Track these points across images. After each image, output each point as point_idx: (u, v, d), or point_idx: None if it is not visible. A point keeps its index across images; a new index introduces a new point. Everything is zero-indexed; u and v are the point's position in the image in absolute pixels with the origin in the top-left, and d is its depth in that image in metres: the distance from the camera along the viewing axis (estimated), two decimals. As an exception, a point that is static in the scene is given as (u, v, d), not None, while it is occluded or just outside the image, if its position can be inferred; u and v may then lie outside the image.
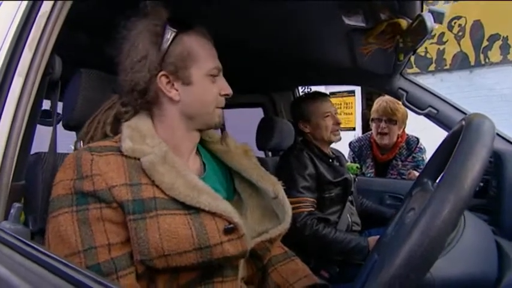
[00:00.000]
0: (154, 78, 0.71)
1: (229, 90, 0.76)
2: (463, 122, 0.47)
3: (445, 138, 0.62)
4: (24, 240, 0.47)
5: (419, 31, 0.91)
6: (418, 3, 0.92)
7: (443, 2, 4.84)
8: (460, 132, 0.48)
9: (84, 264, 0.59)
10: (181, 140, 0.75)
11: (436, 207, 0.36)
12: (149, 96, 0.73)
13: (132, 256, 0.63)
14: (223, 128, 0.84)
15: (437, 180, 0.69)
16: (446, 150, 0.62)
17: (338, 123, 1.47)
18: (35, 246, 0.46)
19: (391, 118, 1.93)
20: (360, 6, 0.96)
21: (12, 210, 0.55)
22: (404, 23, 0.96)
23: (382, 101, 1.97)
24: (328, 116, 1.45)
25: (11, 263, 0.43)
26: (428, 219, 0.36)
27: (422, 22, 0.87)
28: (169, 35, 0.71)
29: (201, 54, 0.73)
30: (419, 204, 0.54)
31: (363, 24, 1.04)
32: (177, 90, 0.73)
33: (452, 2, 4.86)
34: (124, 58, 0.71)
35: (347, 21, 1.04)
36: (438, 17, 0.90)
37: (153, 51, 0.70)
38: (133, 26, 0.71)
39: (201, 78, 0.73)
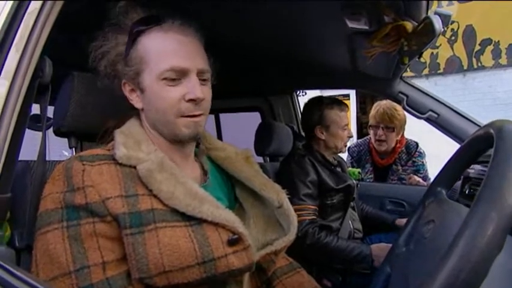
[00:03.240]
0: (120, 85, 0.69)
1: (194, 95, 0.65)
2: (491, 130, 0.44)
3: (463, 145, 0.59)
4: (8, 267, 0.42)
5: (426, 33, 0.89)
6: (424, 4, 0.90)
7: (435, 5, 4.90)
8: (485, 140, 0.45)
9: (76, 286, 0.54)
10: (166, 149, 0.70)
11: (476, 227, 0.32)
12: (128, 103, 0.71)
13: (129, 275, 0.59)
14: (199, 142, 0.77)
15: (451, 189, 0.66)
16: (464, 157, 0.59)
17: (351, 136, 1.49)
18: (20, 275, 0.41)
19: (389, 125, 1.91)
20: (364, 8, 0.94)
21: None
22: (409, 25, 0.94)
23: (379, 107, 1.94)
24: (346, 128, 1.46)
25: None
26: (469, 241, 0.32)
27: (430, 24, 0.85)
28: (130, 39, 0.67)
29: (153, 56, 0.65)
30: (439, 217, 0.51)
31: (366, 27, 1.01)
32: (138, 97, 0.69)
33: (445, 3, 4.92)
34: (100, 67, 0.69)
35: (350, 23, 1.01)
36: (445, 19, 0.87)
37: (117, 58, 0.68)
38: (106, 35, 0.68)
39: (152, 83, 0.65)
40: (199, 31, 0.71)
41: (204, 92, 0.67)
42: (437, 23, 0.83)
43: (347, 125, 1.46)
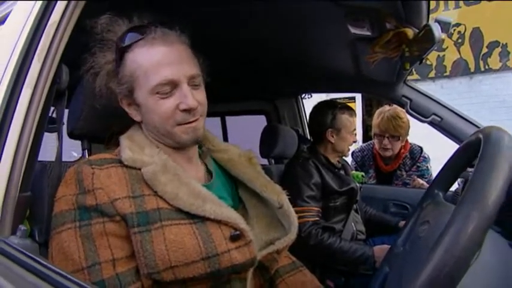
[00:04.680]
0: (119, 101, 0.71)
1: (187, 105, 0.66)
2: (480, 135, 0.46)
3: (458, 150, 0.62)
4: (36, 257, 0.46)
5: (427, 40, 0.91)
6: (425, 11, 0.93)
7: (442, 8, 4.88)
8: (475, 145, 0.48)
9: (88, 281, 0.57)
10: (170, 154, 0.72)
11: (459, 225, 0.35)
12: (128, 115, 0.73)
13: (138, 271, 0.62)
14: (200, 145, 0.79)
15: (448, 192, 0.68)
16: (458, 161, 0.61)
17: (355, 141, 1.54)
18: (47, 264, 0.45)
19: (394, 134, 1.91)
20: (366, 14, 0.97)
21: (20, 226, 0.54)
22: (410, 32, 0.96)
23: (383, 115, 1.93)
24: (354, 132, 1.51)
25: (24, 283, 0.42)
26: (453, 238, 0.35)
27: (430, 31, 0.87)
28: (117, 56, 0.68)
29: (142, 73, 0.66)
30: (434, 218, 0.54)
31: (369, 33, 1.04)
32: (136, 111, 0.71)
33: (452, 5, 4.89)
34: (94, 85, 0.70)
35: (353, 29, 1.04)
36: (445, 26, 0.90)
37: (108, 76, 0.69)
38: (94, 55, 0.69)
39: (145, 99, 0.67)
40: (183, 33, 0.71)
41: (198, 98, 0.68)
42: (437, 31, 0.85)
43: (355, 130, 1.52)
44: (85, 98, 0.81)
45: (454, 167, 0.63)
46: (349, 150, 1.54)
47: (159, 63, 0.66)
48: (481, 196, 0.36)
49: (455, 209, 0.38)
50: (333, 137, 1.48)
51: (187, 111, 0.67)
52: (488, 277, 0.43)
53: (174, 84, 0.66)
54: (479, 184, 0.38)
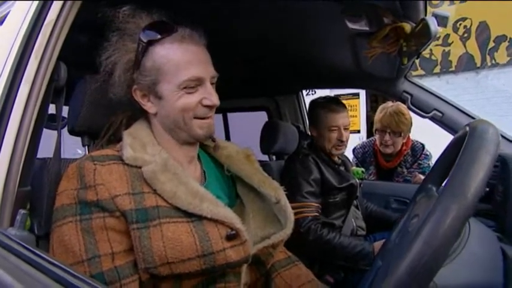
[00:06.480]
0: (130, 92, 0.72)
1: (211, 102, 0.70)
2: (467, 128, 0.47)
3: (449, 144, 0.62)
4: (30, 248, 0.48)
5: (423, 35, 0.91)
6: (422, 6, 0.92)
7: (448, 3, 4.81)
8: (463, 138, 0.48)
9: (88, 273, 0.59)
10: (175, 151, 0.74)
11: (438, 216, 0.36)
12: (136, 107, 0.74)
13: (136, 264, 0.64)
14: (213, 139, 0.82)
15: (441, 186, 0.68)
16: (450, 155, 0.62)
17: (342, 140, 1.42)
18: (41, 254, 0.46)
19: (396, 131, 1.89)
20: (364, 10, 0.97)
21: (18, 217, 0.56)
22: (408, 26, 0.96)
23: (386, 111, 1.91)
24: (334, 130, 1.41)
25: (17, 271, 0.44)
26: (431, 229, 0.36)
27: (426, 26, 0.87)
28: (141, 47, 0.69)
29: (172, 67, 0.68)
30: (423, 211, 0.54)
31: (367, 28, 1.04)
32: (152, 103, 0.72)
33: (458, 2, 4.82)
34: (108, 73, 0.72)
35: (350, 25, 1.04)
36: (442, 20, 0.89)
37: (128, 65, 0.71)
38: (112, 43, 0.71)
39: (171, 92, 0.69)
40: (203, 36, 0.74)
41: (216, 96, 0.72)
42: (433, 25, 0.85)
43: (337, 127, 1.41)
44: (85, 96, 0.82)
45: (446, 161, 0.64)
46: (336, 149, 1.42)
47: (190, 61, 0.69)
48: (461, 189, 0.37)
49: (435, 201, 0.39)
50: (313, 131, 1.47)
51: (209, 107, 0.71)
52: (475, 267, 0.44)
53: (200, 82, 0.70)
54: (460, 177, 0.38)
